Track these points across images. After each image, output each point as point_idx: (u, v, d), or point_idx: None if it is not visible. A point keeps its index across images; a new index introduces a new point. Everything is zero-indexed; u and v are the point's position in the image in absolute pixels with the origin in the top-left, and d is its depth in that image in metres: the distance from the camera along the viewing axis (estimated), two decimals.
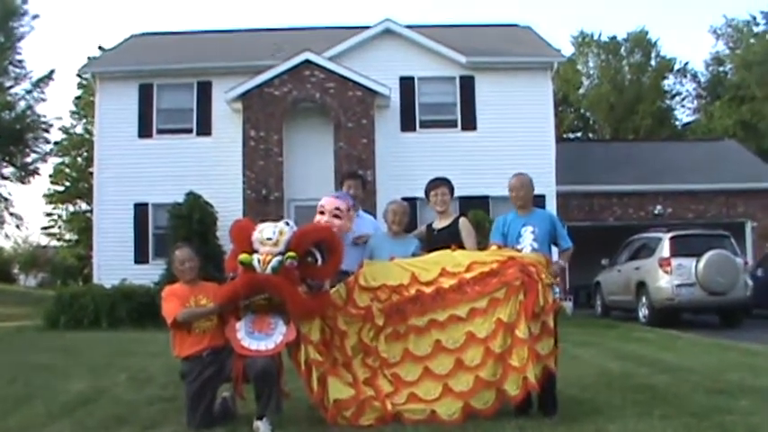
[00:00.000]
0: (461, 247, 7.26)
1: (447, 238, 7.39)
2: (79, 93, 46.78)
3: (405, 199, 10.15)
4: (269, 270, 6.30)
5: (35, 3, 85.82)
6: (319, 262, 6.65)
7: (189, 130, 23.55)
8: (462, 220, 7.58)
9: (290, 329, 6.46)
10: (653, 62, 52.97)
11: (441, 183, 7.74)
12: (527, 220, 7.29)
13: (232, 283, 6.52)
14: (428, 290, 6.87)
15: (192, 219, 20.17)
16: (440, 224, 7.64)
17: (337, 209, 7.18)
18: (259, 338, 6.42)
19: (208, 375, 6.63)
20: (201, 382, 6.61)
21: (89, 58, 40.02)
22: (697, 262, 17.21)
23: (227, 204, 20.85)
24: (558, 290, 7.35)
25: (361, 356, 6.81)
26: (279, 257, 6.34)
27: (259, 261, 6.35)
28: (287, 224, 6.75)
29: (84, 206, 45.63)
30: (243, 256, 6.42)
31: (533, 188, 7.55)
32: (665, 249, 17.96)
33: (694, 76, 54.05)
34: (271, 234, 6.49)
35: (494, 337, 6.56)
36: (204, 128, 23.42)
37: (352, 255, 7.20)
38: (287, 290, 6.35)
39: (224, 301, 6.59)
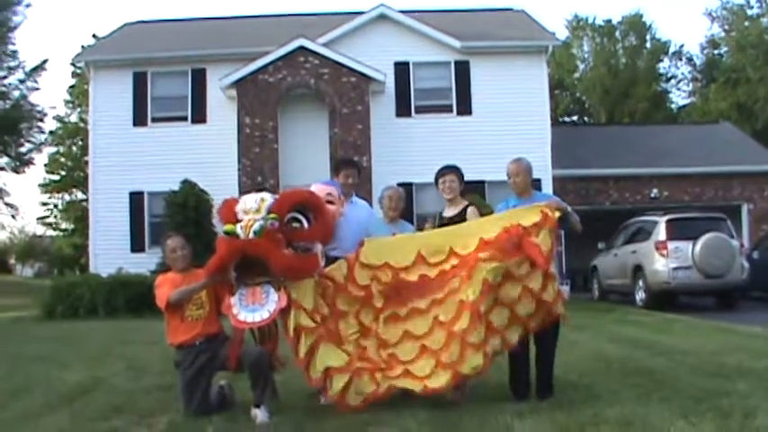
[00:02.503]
0: None
1: None
2: (73, 81, 46.74)
3: (400, 184, 10.16)
4: (251, 234, 6.31)
5: None
6: (305, 225, 6.66)
7: (184, 118, 23.51)
8: (470, 210, 7.45)
9: (282, 295, 6.45)
10: (648, 45, 52.91)
11: (448, 171, 7.63)
12: (528, 204, 7.12)
13: (216, 254, 6.51)
14: (432, 274, 6.85)
15: (188, 206, 20.13)
16: (449, 212, 7.56)
17: (329, 194, 7.17)
18: (254, 309, 6.40)
19: (201, 363, 6.64)
20: (195, 370, 6.61)
21: (83, 46, 39.96)
22: (693, 245, 17.23)
23: (223, 192, 20.38)
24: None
25: (357, 336, 6.81)
26: (261, 221, 6.36)
27: (242, 228, 6.36)
28: (269, 193, 6.79)
29: (79, 195, 45.63)
30: (227, 227, 6.47)
31: (532, 173, 7.41)
32: (661, 233, 17.97)
33: (689, 59, 54.12)
34: (253, 203, 6.53)
35: (482, 299, 6.48)
36: (199, 115, 23.39)
37: (349, 239, 7.18)
38: (268, 249, 6.33)
39: (211, 272, 6.58)
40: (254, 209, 6.47)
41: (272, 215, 6.41)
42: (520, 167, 7.31)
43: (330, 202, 7.08)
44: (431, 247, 7.02)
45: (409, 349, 6.68)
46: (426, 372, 6.50)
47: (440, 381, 6.46)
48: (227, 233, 6.43)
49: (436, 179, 7.67)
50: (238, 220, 6.47)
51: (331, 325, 6.76)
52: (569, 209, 7.05)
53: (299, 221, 6.66)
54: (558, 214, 6.84)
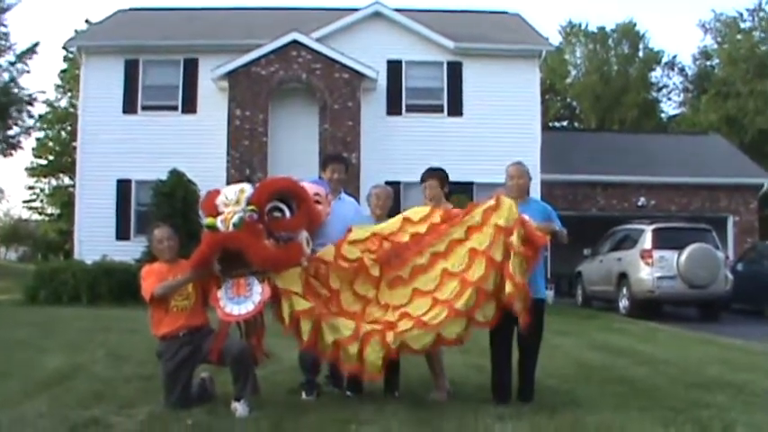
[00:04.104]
0: None
1: None
2: (65, 66, 46.51)
3: (388, 183, 10.12)
4: (231, 227, 6.29)
5: None
6: (287, 214, 6.63)
7: (174, 108, 23.43)
8: None
9: (265, 287, 6.44)
10: (640, 54, 52.98)
11: (430, 175, 7.60)
12: (523, 208, 6.96)
13: (199, 248, 6.50)
14: (422, 229, 6.89)
15: (176, 197, 19.98)
16: None
17: (317, 194, 7.13)
18: (239, 302, 6.41)
19: (183, 355, 6.60)
20: (177, 361, 6.58)
21: (76, 31, 39.73)
22: (679, 255, 17.30)
23: (211, 183, 20.14)
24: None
25: (361, 305, 6.78)
26: (240, 213, 6.34)
27: (222, 221, 6.35)
28: (249, 183, 6.78)
29: (66, 180, 45.38)
30: (207, 220, 6.46)
31: (530, 178, 7.48)
32: (647, 241, 18.04)
33: (681, 69, 54.08)
34: (232, 195, 6.51)
35: (494, 244, 6.52)
36: (189, 105, 23.31)
37: (335, 235, 7.15)
38: (247, 241, 6.32)
39: (195, 266, 6.57)
40: (233, 201, 6.45)
41: (251, 207, 6.38)
42: (521, 170, 7.32)
43: (317, 203, 7.06)
44: (416, 214, 7.13)
45: (422, 304, 6.59)
46: (440, 319, 6.41)
47: (454, 329, 6.45)
48: (207, 227, 6.43)
49: (421, 182, 7.65)
50: (219, 213, 6.45)
51: (331, 305, 6.72)
52: (558, 228, 7.08)
53: (281, 210, 6.62)
54: (548, 237, 6.85)
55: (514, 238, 6.49)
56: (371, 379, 6.62)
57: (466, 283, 6.48)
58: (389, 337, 6.38)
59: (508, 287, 6.41)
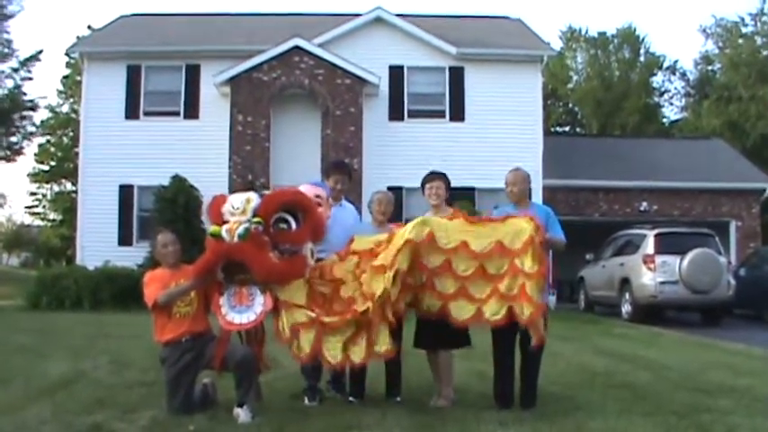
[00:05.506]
0: None
1: None
2: (67, 72, 46.53)
3: (390, 188, 10.15)
4: (236, 238, 6.28)
5: None
6: (293, 226, 6.62)
7: (176, 113, 23.44)
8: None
9: (267, 298, 6.46)
10: (641, 59, 52.95)
11: (436, 176, 7.59)
12: (525, 213, 7.03)
13: (203, 256, 6.50)
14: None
15: (178, 203, 20.00)
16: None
17: (317, 196, 7.13)
18: (241, 311, 6.43)
19: (186, 361, 6.60)
20: (180, 367, 6.58)
21: (78, 37, 39.76)
22: (681, 260, 17.26)
23: (213, 188, 20.18)
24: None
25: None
26: (246, 225, 6.32)
27: (227, 231, 6.33)
28: (257, 193, 6.77)
29: (69, 186, 45.39)
30: (212, 228, 6.46)
31: (529, 183, 7.48)
32: (649, 246, 18.01)
33: (683, 74, 54.00)
34: (238, 203, 6.49)
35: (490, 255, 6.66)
36: (192, 111, 23.32)
37: (336, 242, 7.15)
38: (251, 254, 6.31)
39: (198, 274, 6.58)
40: (239, 210, 6.43)
41: (257, 219, 6.37)
42: (518, 177, 7.34)
43: (318, 205, 7.05)
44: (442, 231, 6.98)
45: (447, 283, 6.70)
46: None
47: (467, 311, 6.64)
48: (212, 234, 6.42)
49: (423, 184, 7.64)
50: (225, 221, 6.45)
51: (335, 301, 6.73)
52: (558, 236, 7.14)
53: (287, 221, 6.62)
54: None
55: (528, 261, 6.51)
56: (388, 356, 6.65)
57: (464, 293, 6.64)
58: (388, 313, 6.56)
59: (527, 309, 6.44)
